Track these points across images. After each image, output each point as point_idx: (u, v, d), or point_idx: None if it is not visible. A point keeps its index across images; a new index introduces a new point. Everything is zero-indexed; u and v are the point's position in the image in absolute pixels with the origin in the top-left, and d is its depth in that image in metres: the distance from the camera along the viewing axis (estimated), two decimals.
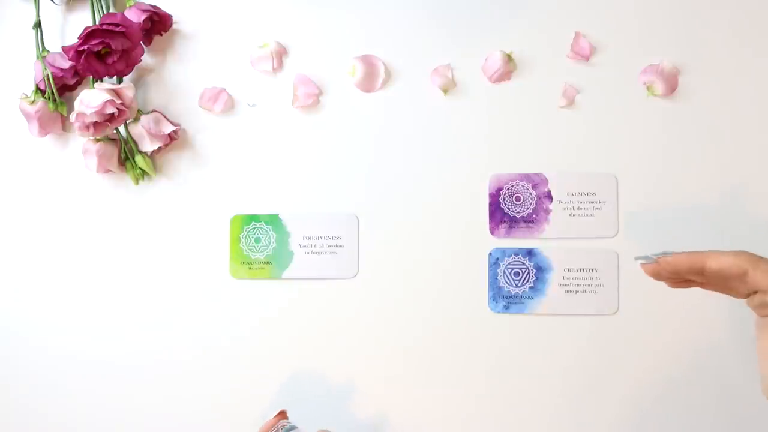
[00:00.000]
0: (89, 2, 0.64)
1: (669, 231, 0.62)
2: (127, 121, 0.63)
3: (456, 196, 0.63)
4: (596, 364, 0.62)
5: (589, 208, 0.62)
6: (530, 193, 0.63)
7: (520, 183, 0.63)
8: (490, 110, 0.63)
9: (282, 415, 0.56)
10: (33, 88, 0.63)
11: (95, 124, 0.60)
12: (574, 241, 0.62)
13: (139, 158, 0.64)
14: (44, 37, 0.64)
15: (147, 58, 0.65)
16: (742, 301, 0.46)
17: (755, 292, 0.45)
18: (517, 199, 0.63)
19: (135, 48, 0.61)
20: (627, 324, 0.62)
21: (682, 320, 0.61)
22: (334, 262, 0.63)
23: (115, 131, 0.64)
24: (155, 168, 0.65)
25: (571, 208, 0.62)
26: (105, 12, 0.63)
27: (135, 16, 0.62)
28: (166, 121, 0.63)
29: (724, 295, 0.47)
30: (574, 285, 0.62)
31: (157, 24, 0.64)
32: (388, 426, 0.62)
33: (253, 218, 0.64)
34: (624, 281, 0.62)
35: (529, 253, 0.62)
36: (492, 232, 0.63)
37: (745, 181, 0.62)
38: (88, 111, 0.59)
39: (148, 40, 0.65)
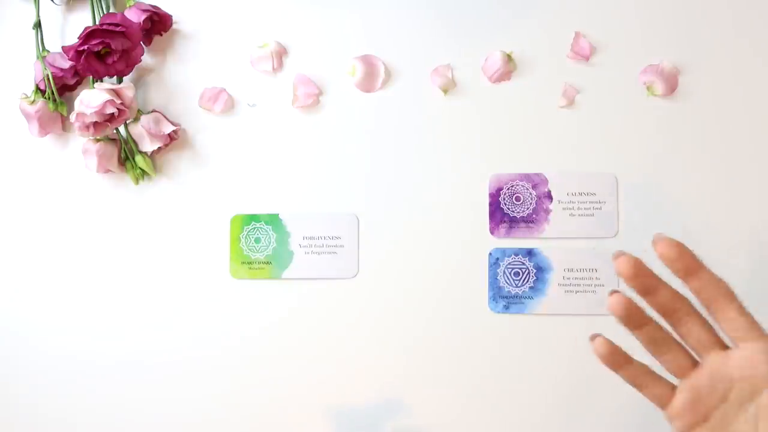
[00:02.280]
0: (89, 2, 0.64)
1: (669, 231, 0.62)
2: (127, 121, 0.63)
3: (456, 195, 0.63)
4: (596, 364, 0.62)
5: (589, 208, 0.62)
6: (530, 193, 0.63)
7: (520, 183, 0.63)
8: (490, 110, 0.63)
9: None
10: (33, 88, 0.63)
11: (95, 124, 0.60)
12: (574, 241, 0.62)
13: (139, 158, 0.64)
14: (44, 37, 0.64)
15: (147, 58, 0.65)
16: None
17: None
18: (517, 199, 0.63)
19: (135, 48, 0.61)
20: None
21: None
22: (334, 262, 0.63)
23: (115, 131, 0.64)
24: (155, 168, 0.65)
25: (571, 208, 0.62)
26: (105, 12, 0.63)
27: (135, 16, 0.62)
28: (166, 121, 0.63)
29: None
30: (574, 285, 0.62)
31: (157, 24, 0.64)
32: (387, 425, 0.62)
33: (253, 218, 0.64)
34: (624, 281, 0.61)
35: (529, 253, 0.62)
36: (492, 232, 0.63)
37: (745, 181, 0.62)
38: (88, 111, 0.59)
39: (148, 40, 0.65)
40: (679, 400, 0.39)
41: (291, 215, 0.64)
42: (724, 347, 0.39)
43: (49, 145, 0.66)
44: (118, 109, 0.60)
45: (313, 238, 0.64)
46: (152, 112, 0.64)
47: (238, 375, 0.63)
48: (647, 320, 0.39)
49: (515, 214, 0.63)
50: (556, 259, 0.62)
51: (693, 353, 0.40)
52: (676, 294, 0.39)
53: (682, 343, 0.40)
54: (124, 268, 0.65)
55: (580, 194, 0.63)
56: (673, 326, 0.39)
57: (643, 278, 0.39)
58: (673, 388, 0.40)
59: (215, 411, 0.63)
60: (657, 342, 0.40)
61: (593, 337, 0.40)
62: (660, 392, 0.40)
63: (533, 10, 0.64)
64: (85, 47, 0.59)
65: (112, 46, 0.59)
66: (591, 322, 0.62)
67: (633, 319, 0.39)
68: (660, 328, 0.39)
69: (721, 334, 0.39)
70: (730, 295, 0.38)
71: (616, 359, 0.40)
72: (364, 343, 0.63)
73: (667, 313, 0.39)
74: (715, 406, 0.38)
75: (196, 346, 0.64)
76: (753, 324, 0.38)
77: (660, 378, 0.40)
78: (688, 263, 0.38)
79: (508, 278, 0.62)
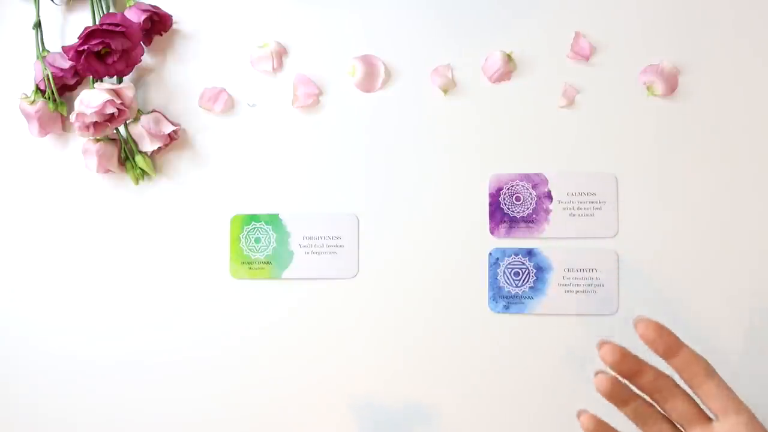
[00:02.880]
0: (89, 2, 0.64)
1: (669, 231, 0.62)
2: (127, 121, 0.63)
3: (456, 196, 0.63)
4: (596, 364, 0.62)
5: (589, 208, 0.62)
6: (530, 193, 0.63)
7: (520, 183, 0.63)
8: (490, 110, 0.63)
9: None
10: (33, 88, 0.63)
11: (95, 124, 0.60)
12: (574, 241, 0.62)
13: (139, 158, 0.64)
14: (44, 37, 0.64)
15: (147, 58, 0.65)
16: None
17: None
18: (517, 199, 0.63)
19: (135, 48, 0.61)
20: (627, 324, 0.61)
21: (681, 321, 0.61)
22: (334, 262, 0.63)
23: (115, 131, 0.64)
24: (155, 168, 0.65)
25: (571, 208, 0.62)
26: (105, 12, 0.63)
27: (135, 16, 0.62)
28: (166, 121, 0.63)
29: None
30: (574, 285, 0.62)
31: (157, 24, 0.64)
32: (387, 425, 0.62)
33: (253, 218, 0.64)
34: (624, 281, 0.62)
35: (529, 253, 0.62)
36: (492, 232, 0.63)
37: (745, 181, 0.62)
38: (88, 111, 0.59)
39: (148, 40, 0.65)
40: None
41: (291, 215, 0.64)
42: (708, 419, 0.40)
43: (49, 145, 0.66)
44: (118, 109, 0.60)
45: (313, 238, 0.64)
46: (152, 112, 0.64)
47: (238, 375, 0.63)
48: (633, 396, 0.41)
49: (515, 214, 0.63)
50: (556, 259, 0.62)
51: (679, 427, 0.41)
52: (659, 374, 0.41)
53: (668, 417, 0.41)
54: (124, 269, 0.64)
55: (580, 194, 0.62)
56: (658, 403, 0.41)
57: (627, 364, 0.40)
58: None
59: (215, 411, 0.63)
60: (644, 417, 0.41)
61: (580, 413, 0.42)
62: None
63: (533, 10, 0.64)
64: (85, 47, 0.59)
65: (112, 46, 0.59)
66: (591, 322, 0.62)
67: (619, 396, 0.41)
68: (646, 403, 0.41)
69: (704, 408, 0.41)
70: (710, 371, 0.40)
71: (603, 428, 0.42)
72: (364, 343, 0.63)
73: (652, 392, 0.41)
74: None
75: (196, 346, 0.64)
76: (733, 397, 0.40)
77: None
78: (669, 342, 0.40)
79: (508, 278, 0.62)
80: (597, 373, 0.41)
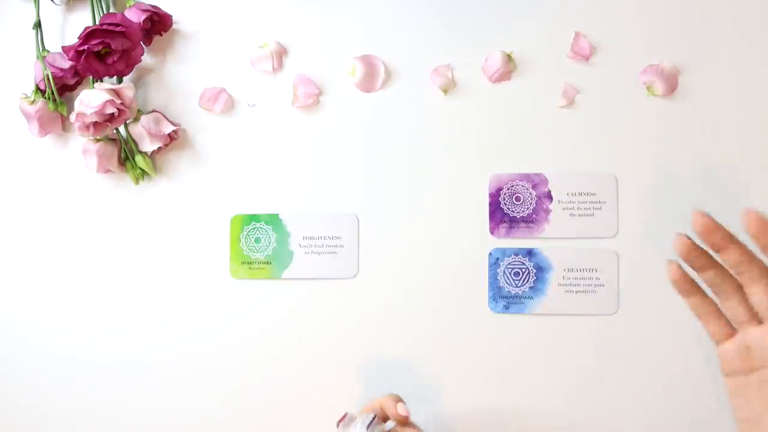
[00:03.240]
0: (89, 2, 0.64)
1: (669, 231, 0.62)
2: (127, 121, 0.63)
3: (456, 195, 0.63)
4: (596, 364, 0.62)
5: (589, 208, 0.62)
6: (530, 193, 0.63)
7: (520, 183, 0.63)
8: (490, 110, 0.63)
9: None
10: (33, 88, 0.63)
11: (95, 124, 0.60)
12: (574, 241, 0.62)
13: (139, 158, 0.64)
14: (44, 37, 0.64)
15: (147, 58, 0.65)
16: None
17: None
18: (517, 199, 0.63)
19: (135, 48, 0.61)
20: (627, 324, 0.62)
21: (681, 320, 0.61)
22: (334, 262, 0.63)
23: (115, 131, 0.64)
24: (155, 168, 0.65)
25: (571, 208, 0.62)
26: (105, 12, 0.63)
27: (135, 16, 0.62)
28: (166, 121, 0.63)
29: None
30: (574, 285, 0.62)
31: (157, 24, 0.64)
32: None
33: (253, 218, 0.64)
34: (624, 281, 0.62)
35: (529, 253, 0.62)
36: (492, 232, 0.63)
37: (745, 181, 0.62)
38: (88, 111, 0.59)
39: (148, 40, 0.65)
40: (731, 346, 0.42)
41: (291, 215, 0.64)
42: None
43: (49, 145, 0.66)
44: (118, 109, 0.60)
45: (313, 238, 0.64)
46: (152, 112, 0.64)
47: (238, 375, 0.63)
48: (712, 264, 0.42)
49: (515, 214, 0.63)
50: (556, 259, 0.62)
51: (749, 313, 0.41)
52: (746, 255, 0.40)
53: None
54: (124, 269, 0.65)
55: (580, 194, 0.63)
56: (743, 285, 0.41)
57: (714, 237, 0.41)
58: (733, 329, 0.42)
59: (215, 411, 0.63)
60: (719, 288, 0.42)
61: (669, 263, 0.43)
62: (716, 330, 0.43)
63: (533, 10, 0.64)
64: (85, 47, 0.59)
65: (112, 46, 0.59)
66: (591, 322, 0.62)
67: (696, 261, 0.42)
68: (724, 276, 0.42)
69: None
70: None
71: (685, 286, 0.43)
72: (364, 343, 0.63)
73: (736, 271, 0.41)
74: (763, 365, 0.40)
75: (196, 346, 0.64)
76: None
77: (721, 317, 0.43)
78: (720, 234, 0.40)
79: (508, 278, 0.62)
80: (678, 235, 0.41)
